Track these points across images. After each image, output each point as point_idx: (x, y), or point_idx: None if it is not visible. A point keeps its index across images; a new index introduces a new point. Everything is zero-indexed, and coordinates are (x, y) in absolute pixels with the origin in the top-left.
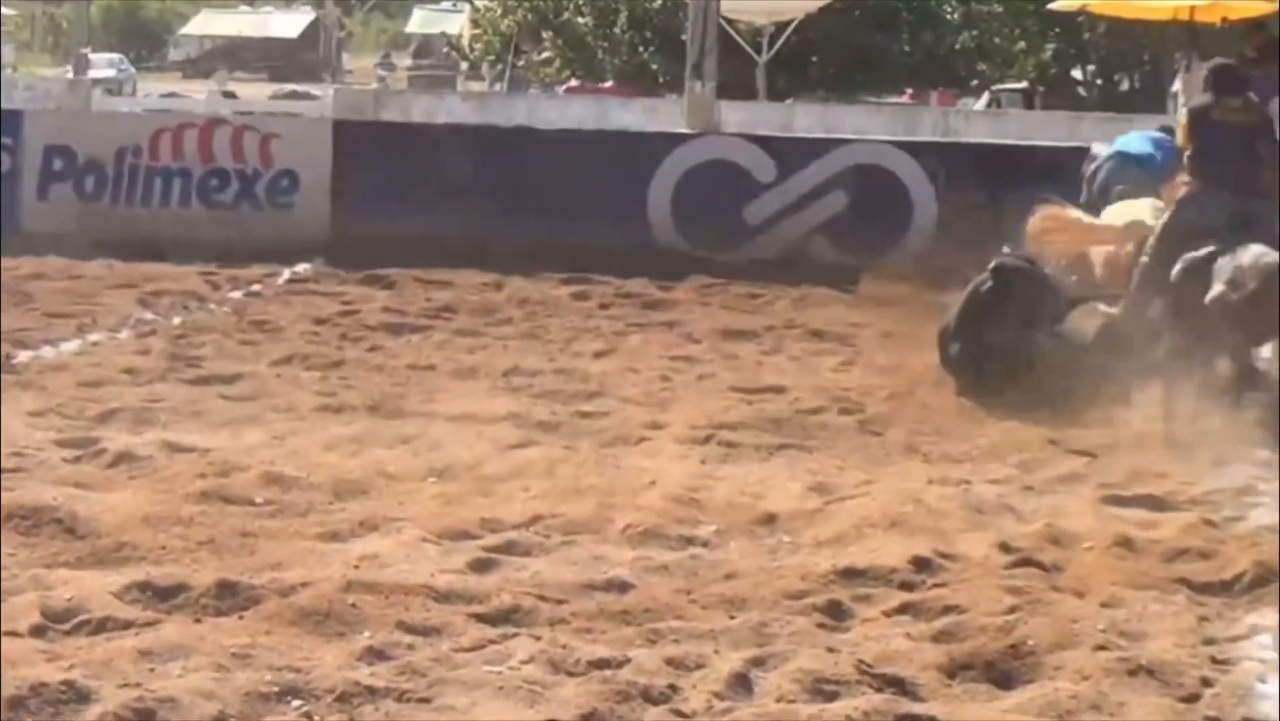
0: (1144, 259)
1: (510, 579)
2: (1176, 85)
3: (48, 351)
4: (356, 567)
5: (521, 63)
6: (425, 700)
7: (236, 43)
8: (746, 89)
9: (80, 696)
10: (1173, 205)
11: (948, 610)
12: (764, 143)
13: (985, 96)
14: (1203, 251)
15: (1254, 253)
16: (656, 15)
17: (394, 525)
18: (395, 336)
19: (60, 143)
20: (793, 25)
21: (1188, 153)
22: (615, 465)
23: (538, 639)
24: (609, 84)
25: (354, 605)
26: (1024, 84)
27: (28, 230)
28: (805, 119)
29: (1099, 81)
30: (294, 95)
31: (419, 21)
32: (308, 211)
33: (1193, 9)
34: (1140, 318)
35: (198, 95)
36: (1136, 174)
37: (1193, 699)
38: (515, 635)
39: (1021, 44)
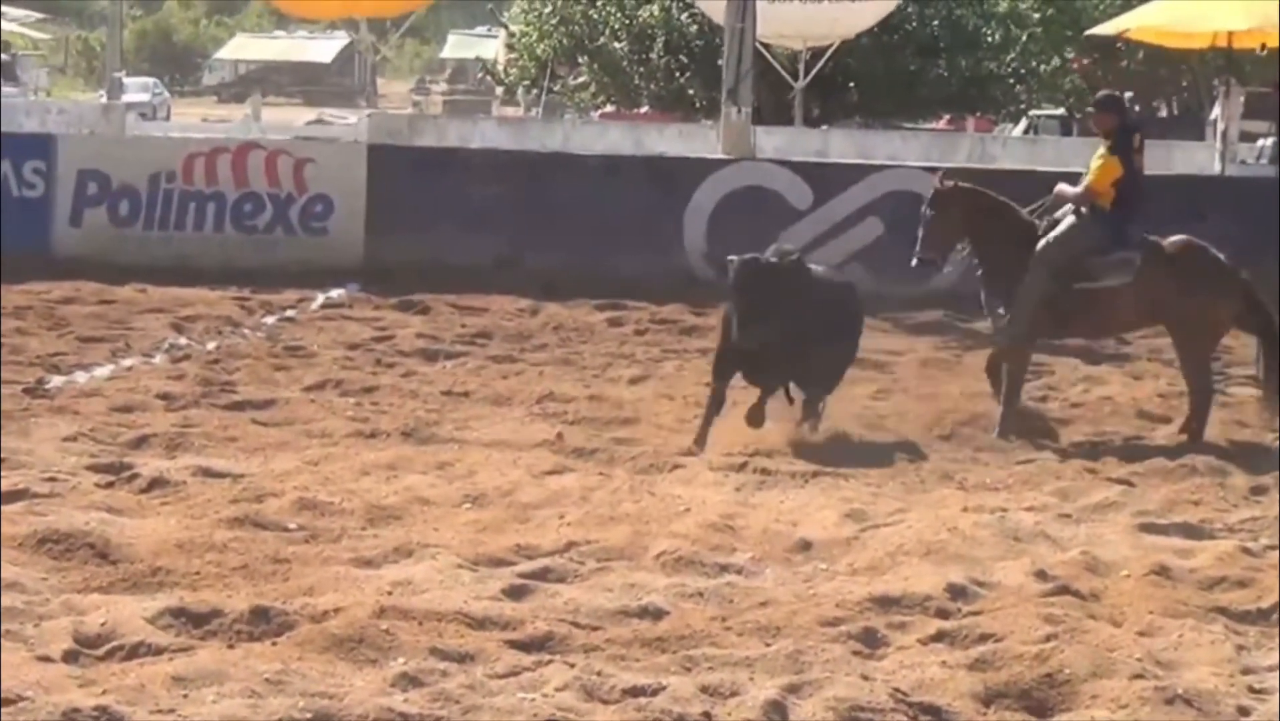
0: None
1: (545, 605)
2: (1215, 111)
3: (81, 376)
4: (390, 593)
5: (557, 88)
6: None
7: (271, 67)
8: (782, 115)
9: None
10: None
11: (983, 638)
12: (800, 169)
13: (1023, 122)
14: None
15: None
16: (693, 41)
17: (428, 551)
18: (429, 362)
19: (94, 167)
20: (830, 51)
21: None
22: (650, 492)
23: (572, 665)
24: (645, 109)
25: (387, 631)
26: (1061, 110)
27: (61, 255)
28: (841, 145)
29: (1137, 107)
30: (328, 120)
31: (454, 46)
32: (342, 236)
33: (1231, 35)
34: None
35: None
36: None
37: None
38: (549, 662)
39: (1058, 68)
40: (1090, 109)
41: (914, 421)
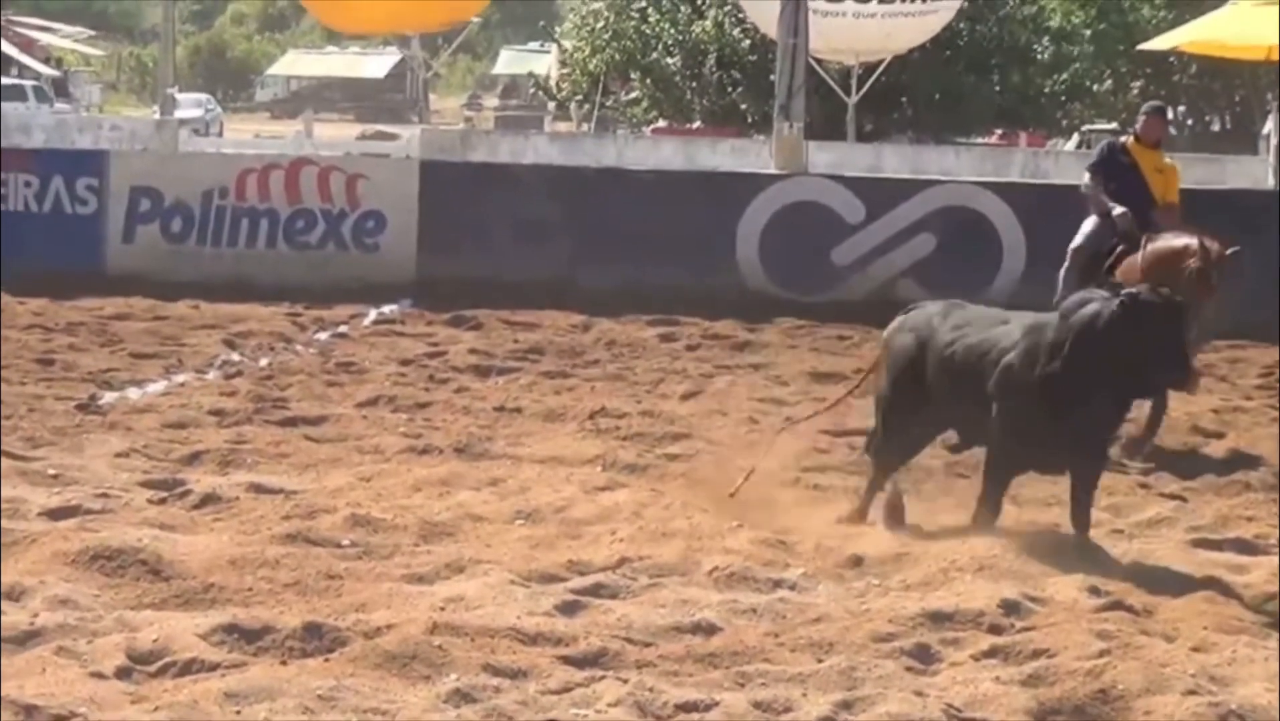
0: None
1: (597, 621)
2: (1268, 126)
3: (134, 392)
4: (443, 610)
5: (609, 103)
6: None
7: (323, 83)
8: (835, 130)
9: None
10: None
11: (1037, 654)
12: (852, 184)
13: (1075, 137)
14: None
15: None
16: (745, 56)
17: (481, 567)
18: (482, 378)
19: (146, 184)
20: (882, 66)
21: None
22: (702, 508)
23: (625, 681)
24: (697, 124)
25: (440, 647)
26: (1114, 124)
27: (114, 271)
28: (894, 160)
29: (1189, 122)
30: (381, 135)
31: (506, 62)
32: (394, 252)
33: None
34: None
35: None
36: None
37: None
38: (602, 677)
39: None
40: (1142, 116)
41: None
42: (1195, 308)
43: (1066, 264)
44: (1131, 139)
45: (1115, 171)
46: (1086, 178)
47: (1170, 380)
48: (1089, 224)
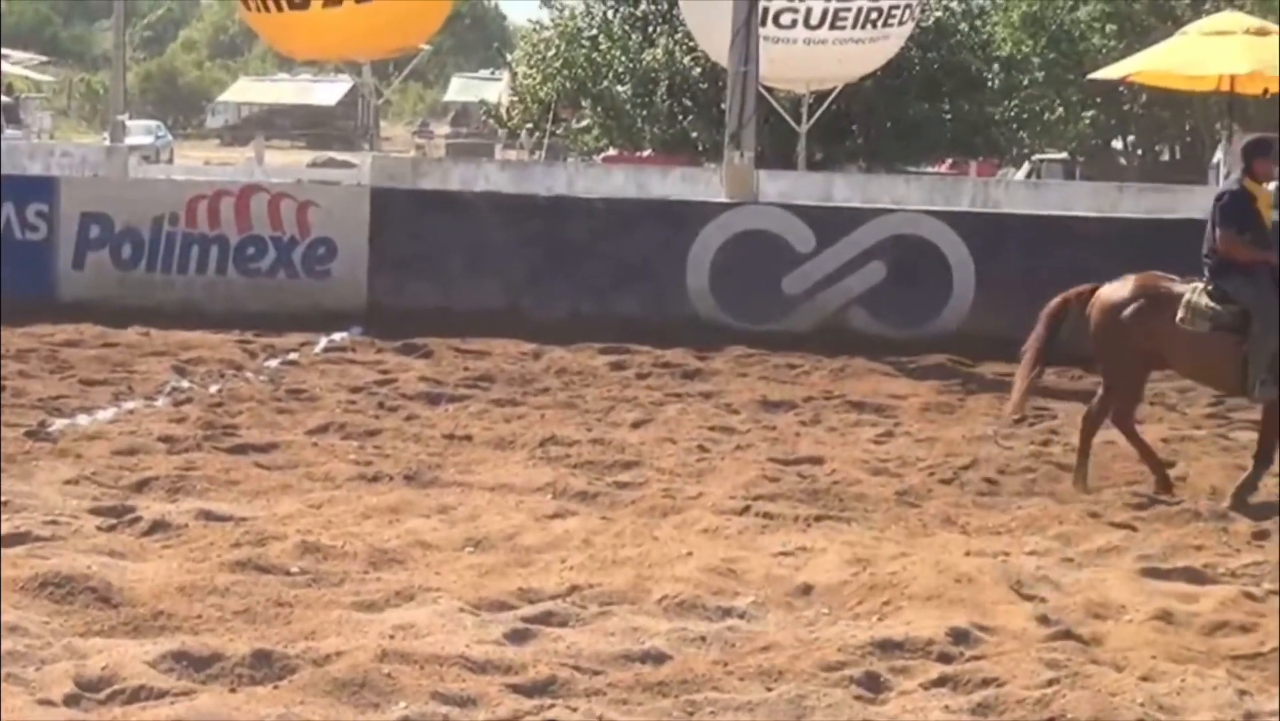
0: None
1: (547, 649)
2: (1218, 156)
3: (83, 419)
4: (392, 637)
5: (560, 131)
6: None
7: (274, 110)
8: (786, 158)
9: None
10: None
11: (986, 682)
12: (803, 212)
13: (1026, 167)
14: None
15: None
16: (696, 84)
17: (430, 595)
18: (432, 405)
19: (97, 210)
20: (833, 95)
21: None
22: (652, 536)
23: (574, 710)
24: (648, 153)
25: (389, 675)
26: (1064, 154)
27: (64, 297)
28: (844, 189)
29: (1139, 151)
30: (331, 163)
31: (457, 89)
32: (345, 280)
33: (1234, 80)
34: None
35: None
36: None
37: None
38: (552, 706)
39: (1061, 116)
40: (1254, 152)
41: (916, 465)
42: None
43: None
44: (1247, 179)
45: (1247, 220)
46: (1226, 233)
47: None
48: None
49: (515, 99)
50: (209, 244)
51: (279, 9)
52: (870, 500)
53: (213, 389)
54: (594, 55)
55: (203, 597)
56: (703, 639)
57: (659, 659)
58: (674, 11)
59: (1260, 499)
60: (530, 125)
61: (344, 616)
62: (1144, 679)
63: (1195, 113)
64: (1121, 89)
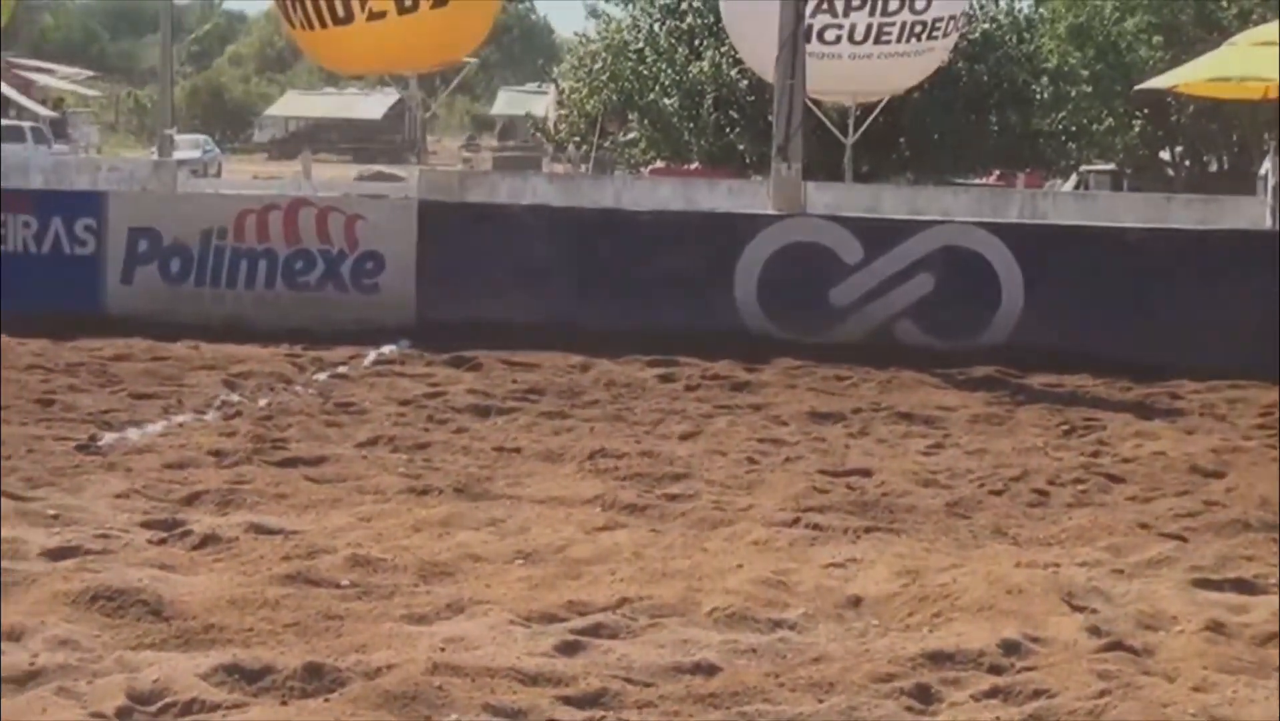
0: None
1: (597, 661)
2: (1266, 166)
3: (133, 433)
4: (443, 650)
5: (607, 144)
6: None
7: (321, 124)
8: (833, 170)
9: None
10: None
11: (1037, 694)
12: (851, 224)
13: (1073, 178)
14: None
15: None
16: (743, 96)
17: (480, 607)
18: (481, 418)
19: (145, 225)
20: (880, 106)
21: None
22: (702, 548)
23: None
24: (695, 165)
25: (440, 687)
26: (1112, 165)
27: (113, 312)
28: (892, 200)
29: (1187, 162)
30: (379, 176)
31: (504, 103)
32: (393, 293)
33: None
34: None
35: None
36: None
37: None
38: (602, 717)
39: (1110, 127)
40: None
41: (965, 477)
42: None
43: None
44: None
45: None
46: None
47: None
48: None
49: (562, 112)
50: (257, 258)
51: (323, 25)
52: (920, 512)
53: (262, 402)
54: (640, 68)
55: (254, 610)
56: (753, 650)
57: (710, 670)
58: (720, 24)
59: None
60: (577, 138)
61: (395, 629)
62: (1195, 689)
63: (1243, 123)
64: (1169, 100)
